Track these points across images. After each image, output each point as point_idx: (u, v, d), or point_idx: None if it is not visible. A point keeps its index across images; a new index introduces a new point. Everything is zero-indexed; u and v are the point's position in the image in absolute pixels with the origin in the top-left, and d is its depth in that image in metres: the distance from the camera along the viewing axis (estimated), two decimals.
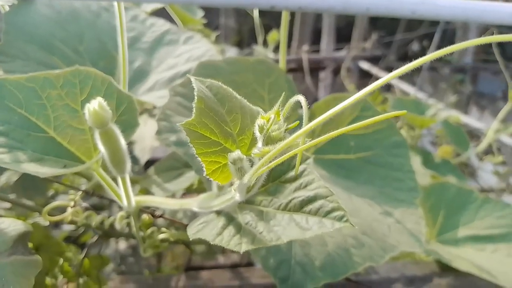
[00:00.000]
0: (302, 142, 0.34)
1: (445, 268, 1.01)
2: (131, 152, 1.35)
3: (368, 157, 0.83)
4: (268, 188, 0.48)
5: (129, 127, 0.58)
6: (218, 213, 0.49)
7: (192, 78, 0.41)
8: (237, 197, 0.44)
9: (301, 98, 0.34)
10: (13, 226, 0.58)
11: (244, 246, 0.41)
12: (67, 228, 1.22)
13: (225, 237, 0.43)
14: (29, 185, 1.06)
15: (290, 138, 0.31)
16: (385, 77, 0.34)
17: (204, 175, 0.41)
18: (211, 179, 0.42)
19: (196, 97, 0.39)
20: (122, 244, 1.51)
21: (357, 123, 0.35)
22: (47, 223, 0.91)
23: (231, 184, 0.44)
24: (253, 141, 0.42)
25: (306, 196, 0.43)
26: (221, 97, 0.42)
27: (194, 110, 0.39)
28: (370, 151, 0.83)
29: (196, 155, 0.42)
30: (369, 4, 0.76)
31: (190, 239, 0.44)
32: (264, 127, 0.39)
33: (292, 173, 0.47)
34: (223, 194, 0.48)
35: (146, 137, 1.58)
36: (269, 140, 0.38)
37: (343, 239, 0.61)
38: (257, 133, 0.40)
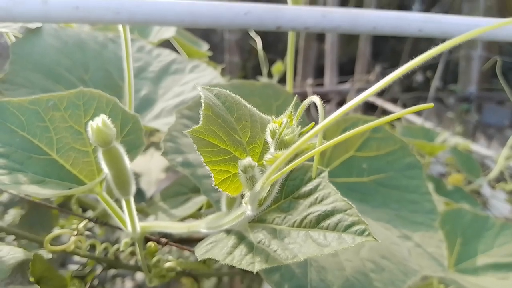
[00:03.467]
0: (319, 143, 0.31)
1: None
2: (137, 185, 1.33)
3: (382, 179, 0.80)
4: (280, 205, 0.45)
5: (134, 147, 0.56)
6: (228, 232, 0.45)
7: (199, 87, 0.39)
8: (249, 211, 0.41)
9: (316, 98, 0.32)
10: (11, 254, 0.55)
11: (258, 265, 0.37)
12: (73, 267, 1.18)
13: (236, 256, 0.40)
14: (35, 222, 1.04)
15: (306, 136, 0.28)
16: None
17: (212, 185, 0.38)
18: (220, 189, 0.39)
19: (203, 104, 0.37)
20: (129, 283, 1.46)
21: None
22: (50, 256, 0.88)
23: (242, 197, 0.41)
24: (264, 151, 0.40)
25: (322, 211, 0.40)
26: (229, 105, 0.40)
27: (201, 117, 0.37)
28: (384, 173, 0.80)
29: (204, 170, 0.39)
30: (376, 23, 0.75)
31: (198, 259, 0.41)
32: (276, 131, 0.36)
33: (305, 189, 0.44)
34: (233, 211, 0.45)
35: (153, 170, 1.57)
36: (282, 145, 0.36)
37: (361, 263, 0.57)
38: (269, 139, 0.38)
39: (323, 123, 0.28)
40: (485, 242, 1.15)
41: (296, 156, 0.33)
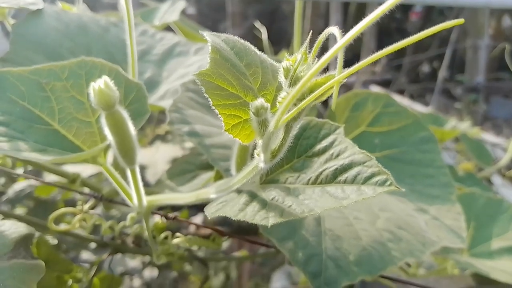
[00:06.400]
0: (338, 71, 0.29)
1: (482, 282, 0.93)
2: (143, 177, 1.31)
3: (395, 154, 0.77)
4: (293, 164, 0.43)
5: (138, 115, 0.54)
6: (239, 192, 0.43)
7: (205, 32, 0.37)
8: (261, 163, 0.38)
9: (333, 28, 0.30)
10: (14, 228, 0.53)
11: (272, 220, 0.35)
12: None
13: (249, 212, 0.37)
14: (40, 216, 1.03)
15: (322, 60, 0.26)
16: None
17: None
18: (231, 135, 0.37)
19: (210, 48, 0.35)
20: (137, 282, 1.45)
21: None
22: (55, 242, 0.86)
23: (252, 156, 0.39)
24: (276, 98, 0.38)
25: (339, 165, 0.38)
26: (238, 50, 0.38)
27: (209, 60, 0.35)
28: (397, 148, 0.78)
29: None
30: None
31: (209, 218, 0.39)
32: (290, 68, 0.34)
33: (320, 146, 0.42)
34: (244, 168, 0.43)
35: (159, 163, 1.54)
36: (297, 83, 0.33)
37: (378, 233, 0.55)
38: (282, 78, 0.36)
39: (340, 42, 0.25)
40: (500, 226, 1.12)
41: (311, 92, 0.30)
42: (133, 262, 1.44)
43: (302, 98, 0.32)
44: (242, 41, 0.40)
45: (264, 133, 0.35)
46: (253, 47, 0.41)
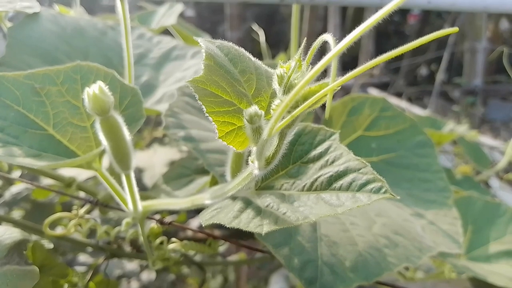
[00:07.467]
0: (332, 79, 0.29)
1: (479, 285, 0.92)
2: (140, 180, 1.31)
3: (392, 159, 0.77)
4: (288, 170, 0.42)
5: (134, 120, 0.53)
6: (234, 198, 0.43)
7: (199, 38, 0.37)
8: (256, 170, 0.38)
9: (327, 36, 0.30)
10: (8, 234, 0.53)
11: (266, 227, 0.35)
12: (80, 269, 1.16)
13: (243, 219, 0.37)
14: (38, 218, 1.03)
15: (316, 67, 0.26)
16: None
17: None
18: (225, 143, 0.37)
19: (204, 54, 0.35)
20: (134, 284, 1.44)
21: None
22: (51, 246, 0.85)
23: (247, 163, 0.38)
24: (271, 105, 0.37)
25: (334, 172, 0.38)
26: (232, 57, 0.38)
27: (202, 67, 0.35)
28: (394, 152, 0.78)
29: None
30: None
31: (203, 225, 0.38)
32: (284, 76, 0.34)
33: (315, 152, 0.42)
34: (239, 175, 0.42)
35: (156, 165, 1.54)
36: (291, 90, 0.33)
37: (374, 239, 0.55)
38: (276, 86, 0.36)
39: (334, 50, 0.25)
40: (497, 229, 1.12)
41: (305, 100, 0.30)
42: (131, 265, 1.43)
43: (296, 105, 0.32)
44: (237, 47, 0.40)
45: (258, 140, 0.34)
46: (247, 53, 0.41)
